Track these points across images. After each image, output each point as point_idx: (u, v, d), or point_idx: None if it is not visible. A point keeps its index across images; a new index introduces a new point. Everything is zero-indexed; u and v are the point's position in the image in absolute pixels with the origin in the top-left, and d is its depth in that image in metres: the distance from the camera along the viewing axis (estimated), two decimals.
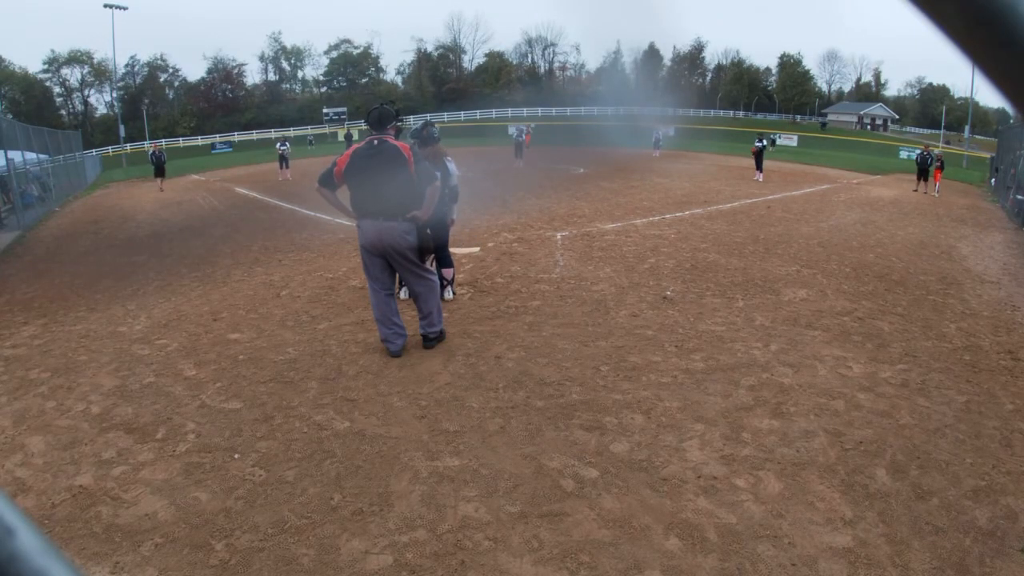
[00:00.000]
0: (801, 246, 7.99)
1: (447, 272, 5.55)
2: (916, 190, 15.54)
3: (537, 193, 13.20)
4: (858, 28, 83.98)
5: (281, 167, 19.53)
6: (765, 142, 18.43)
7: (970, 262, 7.51)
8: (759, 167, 17.58)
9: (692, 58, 68.58)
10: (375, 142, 4.03)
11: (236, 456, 2.99)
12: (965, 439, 3.13)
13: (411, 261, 4.14)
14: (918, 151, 17.31)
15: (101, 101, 56.83)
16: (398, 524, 2.47)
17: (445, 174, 5.28)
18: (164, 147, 21.30)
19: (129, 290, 6.30)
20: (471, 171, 16.91)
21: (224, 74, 60.20)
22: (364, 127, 4.55)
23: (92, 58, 54.60)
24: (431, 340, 4.37)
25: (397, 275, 4.30)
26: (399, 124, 4.23)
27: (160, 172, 18.30)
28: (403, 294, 5.34)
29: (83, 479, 2.81)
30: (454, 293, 5.67)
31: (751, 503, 2.59)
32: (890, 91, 68.26)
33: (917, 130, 59.91)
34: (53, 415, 3.47)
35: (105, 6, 34.53)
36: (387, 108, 4.16)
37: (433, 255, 5.29)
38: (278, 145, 20.31)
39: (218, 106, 58.43)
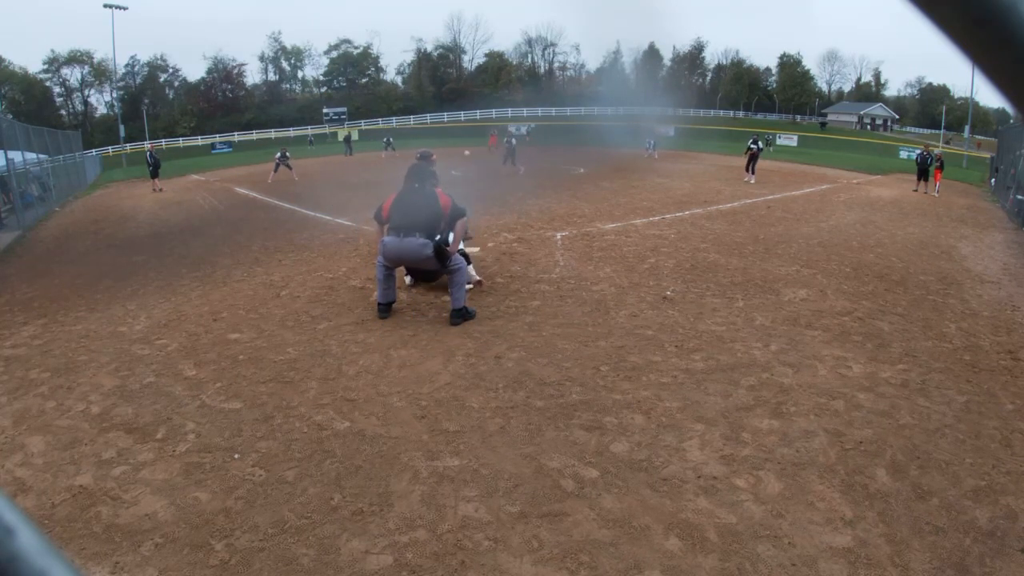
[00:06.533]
0: (801, 246, 7.99)
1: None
2: (916, 190, 15.55)
3: (537, 193, 13.18)
4: (858, 28, 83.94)
5: (275, 170, 19.51)
6: (761, 144, 18.20)
7: (970, 262, 7.51)
8: (751, 169, 16.99)
9: (692, 58, 68.60)
10: (416, 186, 5.02)
11: (236, 456, 2.99)
12: (965, 439, 3.13)
13: (433, 265, 4.90)
14: (918, 151, 17.30)
15: (101, 101, 56.91)
16: (398, 524, 2.47)
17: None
18: (163, 147, 21.17)
19: (129, 290, 6.29)
20: (470, 171, 16.92)
21: (224, 74, 60.21)
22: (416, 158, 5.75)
23: (92, 58, 54.65)
24: (455, 318, 4.87)
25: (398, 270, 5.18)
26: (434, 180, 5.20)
27: (155, 173, 18.23)
28: (408, 280, 6.00)
29: (83, 479, 2.81)
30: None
31: (751, 503, 2.59)
32: (890, 91, 68.37)
33: (917, 130, 59.93)
34: (53, 415, 3.47)
35: (105, 6, 34.51)
36: (426, 167, 5.24)
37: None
38: (276, 155, 20.37)
39: (218, 106, 58.42)
